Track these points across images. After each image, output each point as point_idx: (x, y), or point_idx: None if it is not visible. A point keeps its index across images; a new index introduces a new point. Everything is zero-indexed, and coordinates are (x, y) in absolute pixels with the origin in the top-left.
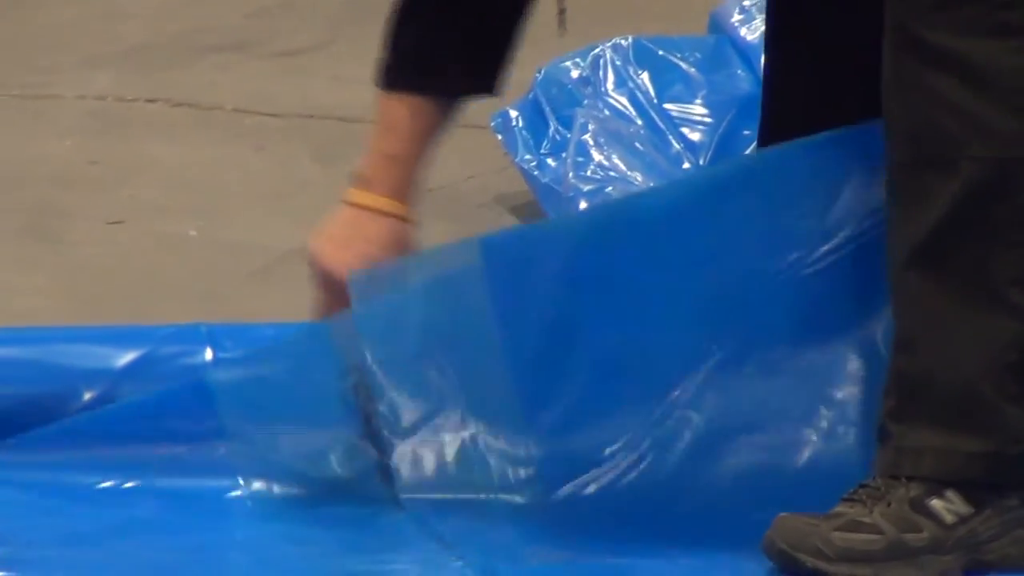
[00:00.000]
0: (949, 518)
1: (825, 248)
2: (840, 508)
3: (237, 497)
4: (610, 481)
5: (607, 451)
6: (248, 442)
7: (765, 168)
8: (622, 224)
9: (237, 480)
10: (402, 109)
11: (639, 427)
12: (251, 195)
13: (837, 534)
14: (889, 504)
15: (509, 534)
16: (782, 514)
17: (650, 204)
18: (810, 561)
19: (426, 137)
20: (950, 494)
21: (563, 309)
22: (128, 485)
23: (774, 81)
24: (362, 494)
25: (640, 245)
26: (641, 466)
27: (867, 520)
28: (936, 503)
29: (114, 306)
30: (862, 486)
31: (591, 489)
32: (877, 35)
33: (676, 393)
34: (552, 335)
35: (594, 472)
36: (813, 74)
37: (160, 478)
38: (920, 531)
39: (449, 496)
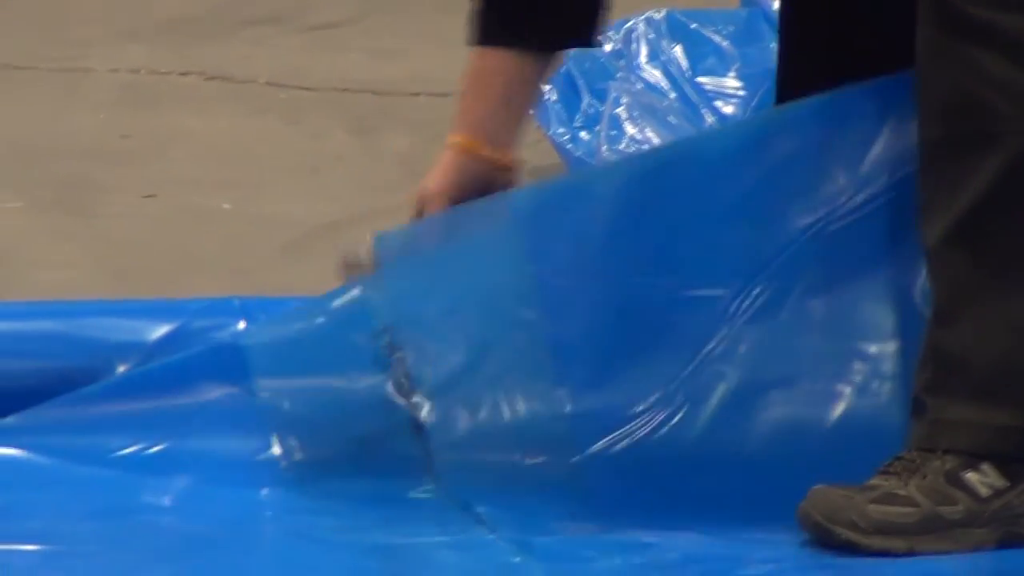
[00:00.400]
0: (984, 491)
1: (861, 198)
2: (875, 480)
3: (269, 461)
4: (642, 438)
5: (640, 407)
6: (280, 401)
7: (798, 118)
8: (656, 174)
9: (269, 441)
10: (497, 63)
11: (672, 381)
12: (285, 168)
13: (872, 506)
14: (924, 477)
15: (542, 506)
16: (817, 485)
17: (685, 154)
18: (844, 533)
19: (525, 89)
20: (985, 467)
21: (596, 261)
22: (156, 449)
23: (789, 53)
24: (396, 452)
25: (675, 195)
26: (674, 421)
27: (902, 493)
28: (971, 476)
29: (147, 279)
30: (897, 458)
31: (623, 445)
32: (892, 11)
33: (710, 346)
34: (585, 287)
35: (626, 428)
36: (828, 47)
37: (191, 441)
38: (955, 504)
39: (481, 457)
